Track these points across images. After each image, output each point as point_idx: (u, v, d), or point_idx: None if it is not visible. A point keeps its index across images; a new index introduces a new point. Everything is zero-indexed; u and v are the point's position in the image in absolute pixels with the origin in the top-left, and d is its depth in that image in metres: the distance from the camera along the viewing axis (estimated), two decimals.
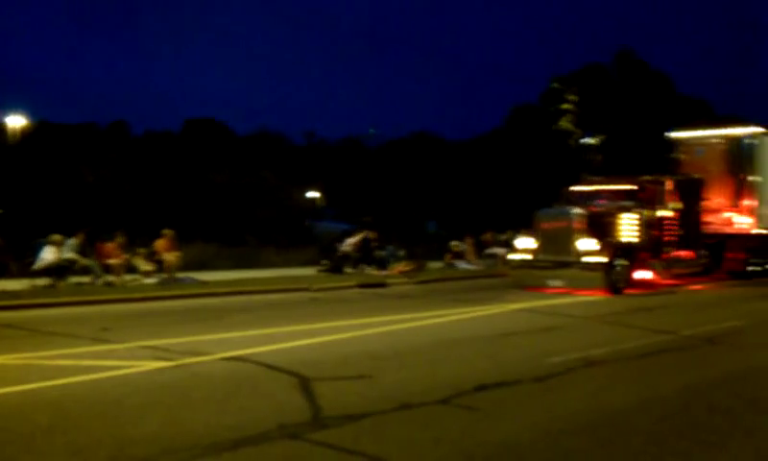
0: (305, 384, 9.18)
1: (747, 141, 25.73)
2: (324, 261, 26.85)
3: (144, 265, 23.18)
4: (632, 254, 21.19)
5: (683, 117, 34.44)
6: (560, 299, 19.35)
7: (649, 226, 21.89)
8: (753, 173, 25.65)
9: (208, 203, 47.10)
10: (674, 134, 27.77)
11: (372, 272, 26.25)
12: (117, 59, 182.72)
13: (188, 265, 24.35)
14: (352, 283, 22.75)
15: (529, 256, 21.70)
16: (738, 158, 25.82)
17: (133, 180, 46.47)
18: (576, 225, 20.89)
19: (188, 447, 6.79)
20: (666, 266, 22.61)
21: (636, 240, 21.54)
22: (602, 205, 22.32)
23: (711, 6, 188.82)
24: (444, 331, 14.11)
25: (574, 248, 20.58)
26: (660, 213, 22.40)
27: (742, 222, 25.83)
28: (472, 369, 10.44)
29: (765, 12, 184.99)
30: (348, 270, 26.15)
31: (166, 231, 23.74)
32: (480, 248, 31.41)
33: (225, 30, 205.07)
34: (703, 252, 24.54)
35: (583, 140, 24.78)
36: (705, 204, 24.95)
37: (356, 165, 66.25)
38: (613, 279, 20.43)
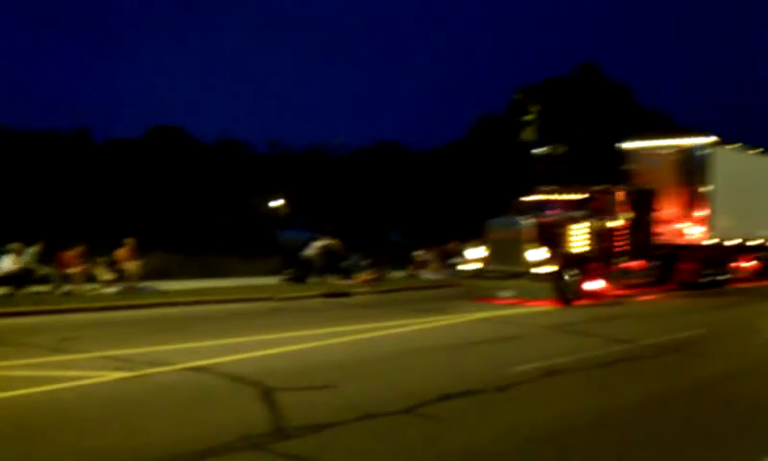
0: (268, 394, 9.14)
1: (699, 152, 25.75)
2: (288, 270, 26.76)
3: (105, 274, 22.92)
4: (582, 265, 21.01)
5: (641, 128, 34.65)
6: (509, 309, 19.08)
7: (599, 236, 21.77)
8: (705, 183, 25.55)
9: (171, 211, 46.78)
10: (626, 145, 27.72)
11: (336, 281, 26.23)
12: (78, 63, 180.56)
13: (150, 274, 24.11)
14: (316, 293, 22.70)
15: (479, 266, 21.54)
16: (690, 169, 25.82)
17: (95, 188, 45.97)
18: (526, 235, 20.65)
19: (149, 459, 6.73)
20: (617, 276, 22.63)
21: (586, 250, 21.37)
22: (553, 215, 22.17)
23: (673, 20, 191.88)
24: (406, 341, 14.13)
25: (524, 258, 20.33)
26: (610, 224, 22.30)
27: (694, 232, 25.72)
28: (435, 378, 10.48)
29: (726, 25, 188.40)
30: (312, 279, 26.10)
31: (127, 240, 23.51)
32: (444, 258, 31.52)
33: (190, 36, 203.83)
34: (654, 262, 24.55)
35: (534, 151, 24.59)
36: (657, 214, 24.85)
37: (321, 174, 66.16)
38: (564, 289, 20.26)
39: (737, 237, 27.40)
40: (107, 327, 15.71)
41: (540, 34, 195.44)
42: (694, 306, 21.32)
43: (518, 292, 20.36)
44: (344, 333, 14.47)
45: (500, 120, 61.34)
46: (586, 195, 22.51)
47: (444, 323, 16.51)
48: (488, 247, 21.46)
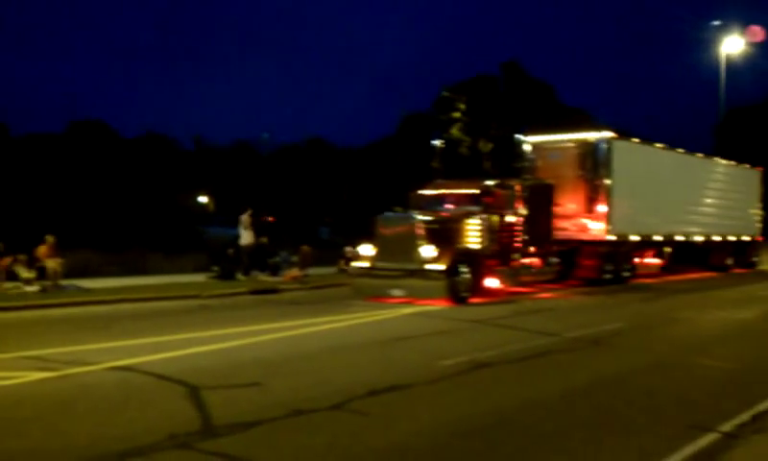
0: (196, 393, 9.05)
1: (600, 146, 25.50)
2: (215, 267, 26.45)
3: (25, 272, 22.29)
4: (477, 261, 20.08)
5: (563, 124, 35.04)
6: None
7: (495, 231, 20.89)
8: (606, 178, 25.30)
9: (94, 207, 45.76)
10: (529, 139, 27.20)
11: (265, 278, 26.04)
12: None
13: (73, 272, 23.54)
14: (244, 290, 22.51)
15: (368, 264, 20.32)
16: (592, 163, 25.51)
17: (13, 183, 44.65)
18: (417, 231, 19.58)
19: (72, 460, 6.60)
20: (514, 274, 21.67)
21: (481, 247, 20.37)
22: (447, 209, 21.34)
23: (595, 19, 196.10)
24: (335, 337, 14.15)
25: (415, 255, 19.24)
26: (507, 218, 21.47)
27: (596, 228, 25.35)
28: (363, 374, 10.53)
29: (647, 27, 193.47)
30: (240, 276, 25.88)
31: (48, 238, 22.92)
32: None
33: (112, 30, 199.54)
34: (554, 259, 23.80)
35: (433, 143, 24.14)
36: (557, 209, 24.39)
37: (248, 170, 65.60)
38: (457, 287, 19.23)
39: (640, 233, 27.20)
40: (28, 327, 15.30)
41: (468, 32, 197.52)
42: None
43: (409, 291, 19.33)
44: (271, 330, 14.39)
45: (428, 117, 61.86)
46: (481, 189, 21.44)
47: (372, 319, 16.56)
48: (377, 243, 20.36)
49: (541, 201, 23.09)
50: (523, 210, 21.84)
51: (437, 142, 25.08)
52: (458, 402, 8.95)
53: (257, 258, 27.07)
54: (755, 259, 36.43)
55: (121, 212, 46.50)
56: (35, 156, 51.96)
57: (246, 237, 26.21)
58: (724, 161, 35.12)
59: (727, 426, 8.01)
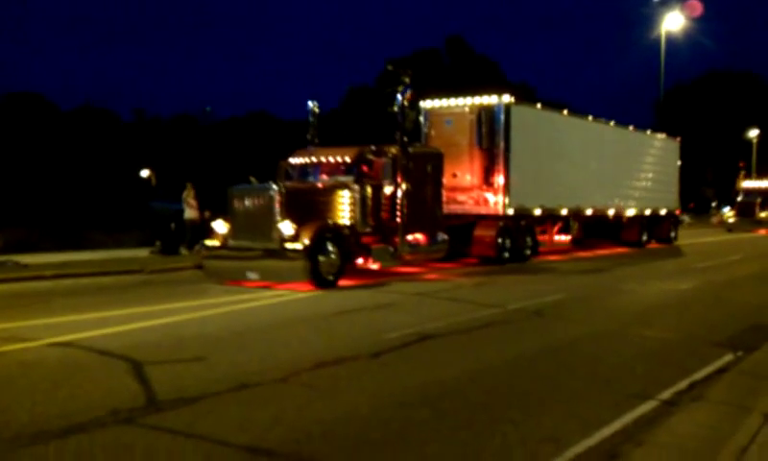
0: (139, 369, 8.94)
1: (497, 111, 23.13)
2: (158, 242, 26.09)
3: None
4: (346, 239, 17.69)
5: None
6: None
7: (371, 205, 18.63)
8: (505, 147, 23.06)
9: (31, 182, 44.72)
10: (424, 105, 24.71)
11: None
12: None
13: (9, 247, 23.03)
14: (188, 264, 22.22)
15: (219, 243, 17.97)
16: (489, 130, 23.12)
17: None
18: (275, 204, 17.13)
19: (11, 437, 6.48)
20: (395, 252, 19.04)
21: (353, 222, 18.10)
22: (318, 180, 19.31)
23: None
24: (281, 311, 14.11)
25: (273, 231, 16.92)
26: (386, 190, 19.19)
27: (493, 201, 23.23)
28: (309, 347, 10.53)
29: (592, 3, 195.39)
30: (184, 251, 25.55)
31: None
32: None
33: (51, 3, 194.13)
34: (442, 235, 20.91)
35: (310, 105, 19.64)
36: (453, 181, 22.71)
37: (191, 144, 64.72)
38: (322, 269, 16.78)
39: (544, 206, 25.06)
40: None
41: (413, 3, 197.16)
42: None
43: (265, 274, 16.93)
44: (217, 305, 14.27)
45: (372, 91, 61.77)
46: (355, 156, 19.09)
47: (321, 293, 16.48)
48: (230, 219, 17.96)
49: (428, 171, 20.66)
50: (406, 181, 19.17)
51: (312, 104, 20.68)
52: (404, 374, 8.99)
53: (201, 233, 26.77)
54: (672, 234, 34.86)
55: (60, 187, 45.55)
56: None
57: (189, 212, 25.86)
58: (639, 131, 33.21)
59: (666, 394, 8.21)
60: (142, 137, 64.21)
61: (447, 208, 22.02)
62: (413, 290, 16.96)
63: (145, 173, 33.95)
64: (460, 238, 22.51)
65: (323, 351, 10.27)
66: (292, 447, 6.40)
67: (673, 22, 47.01)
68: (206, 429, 6.76)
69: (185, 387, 8.12)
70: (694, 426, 7.07)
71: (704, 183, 73.73)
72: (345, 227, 17.91)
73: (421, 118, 24.57)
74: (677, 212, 36.12)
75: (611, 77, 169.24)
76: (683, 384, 8.63)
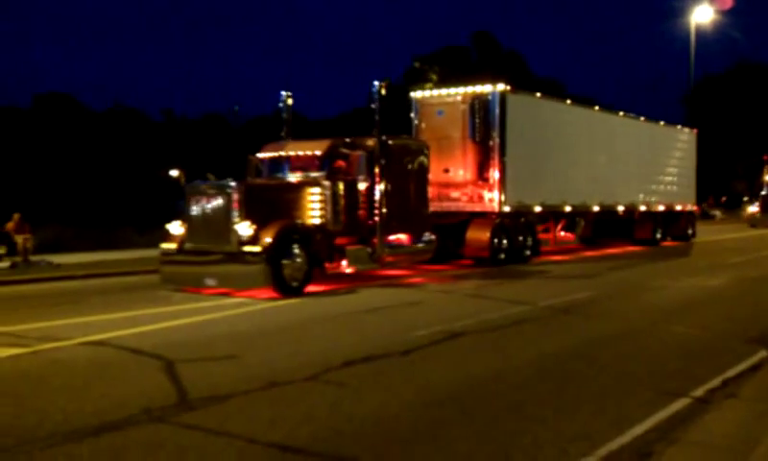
0: (170, 367, 9.01)
1: (493, 101, 21.60)
2: None
3: None
4: (314, 241, 16.19)
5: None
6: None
7: (345, 202, 17.11)
8: (500, 139, 21.53)
9: (64, 182, 45.25)
10: (414, 95, 23.30)
11: None
12: None
13: (43, 247, 23.36)
14: None
15: (175, 247, 16.31)
16: (483, 122, 21.63)
17: None
18: (234, 203, 15.50)
19: (46, 435, 6.56)
20: (374, 254, 17.60)
21: (323, 221, 16.63)
22: (283, 176, 17.83)
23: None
24: (306, 309, 14.12)
25: (232, 233, 15.35)
26: (361, 186, 17.62)
27: (488, 198, 21.66)
28: (338, 345, 10.53)
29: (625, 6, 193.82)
30: None
31: (14, 214, 22.70)
32: None
33: (79, 4, 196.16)
34: (429, 235, 19.50)
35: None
36: (444, 176, 21.53)
37: (219, 143, 65.08)
38: (285, 274, 15.26)
39: (545, 203, 23.52)
40: None
41: (438, 2, 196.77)
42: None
43: (222, 280, 15.46)
44: (244, 304, 14.34)
45: (399, 88, 61.75)
46: (327, 150, 17.42)
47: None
48: (187, 219, 16.29)
49: (412, 165, 19.17)
50: (385, 176, 17.76)
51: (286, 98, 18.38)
52: (433, 371, 8.97)
53: None
54: (689, 231, 32.89)
55: (92, 187, 46.05)
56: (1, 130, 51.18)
57: None
58: (652, 121, 31.22)
59: (699, 392, 8.11)
60: (171, 137, 64.67)
61: (440, 206, 21.17)
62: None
63: (174, 173, 34.31)
64: (454, 238, 21.42)
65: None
66: (322, 445, 6.41)
67: (702, 15, 46.53)
68: (237, 427, 6.80)
69: (216, 385, 8.17)
70: (728, 425, 6.99)
71: (735, 177, 72.86)
72: (314, 227, 16.50)
73: (412, 111, 23.05)
74: (694, 208, 34.34)
75: (640, 71, 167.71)
76: (715, 381, 8.52)
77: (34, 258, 22.03)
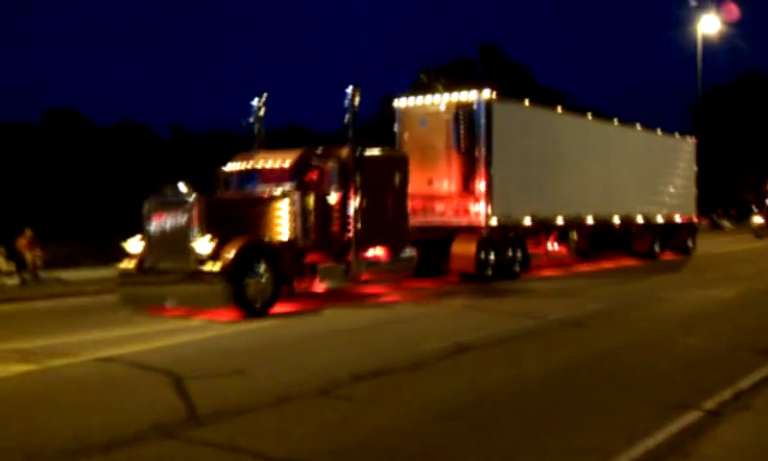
0: (179, 383, 9.00)
1: (478, 110, 20.70)
2: None
3: (4, 265, 22.13)
4: (281, 258, 15.25)
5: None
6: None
7: (316, 217, 16.20)
8: (487, 150, 20.62)
9: (73, 198, 45.40)
10: (398, 104, 22.34)
11: None
12: None
13: (53, 263, 23.41)
14: None
15: (134, 266, 15.46)
16: (468, 132, 20.71)
17: None
18: (194, 218, 14.57)
19: (55, 452, 6.55)
20: (348, 271, 16.76)
21: (291, 236, 15.74)
22: (255, 189, 16.86)
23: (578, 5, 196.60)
24: (312, 324, 14.11)
25: (190, 250, 14.42)
26: (332, 199, 16.64)
27: (474, 211, 20.75)
28: (347, 359, 10.51)
29: (625, 7, 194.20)
30: None
31: (26, 230, 22.78)
32: None
33: (83, 17, 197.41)
34: (410, 250, 18.67)
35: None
36: (427, 188, 20.80)
37: (227, 157, 65.30)
38: (248, 293, 14.34)
39: (535, 215, 22.51)
40: (8, 320, 15.20)
41: (446, 15, 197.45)
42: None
43: (182, 300, 14.65)
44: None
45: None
46: (296, 161, 16.47)
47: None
48: (147, 236, 15.43)
49: (390, 177, 18.33)
50: (360, 188, 16.87)
51: (258, 100, 17.59)
52: (442, 385, 8.94)
53: None
54: (689, 244, 31.60)
55: (101, 202, 46.18)
56: (8, 146, 51.39)
57: None
58: (649, 130, 29.95)
59: (710, 404, 8.04)
60: (179, 152, 64.88)
61: (424, 219, 20.56)
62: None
63: (182, 186, 34.34)
64: (438, 253, 20.66)
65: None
66: (328, 458, 6.39)
67: (709, 25, 46.53)
68: (246, 443, 6.78)
69: (225, 401, 8.16)
70: (740, 437, 6.95)
71: (744, 187, 72.59)
72: (281, 243, 15.59)
73: (395, 121, 22.27)
74: (695, 220, 32.92)
75: (647, 81, 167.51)
76: (727, 394, 8.45)
77: (43, 274, 22.10)
